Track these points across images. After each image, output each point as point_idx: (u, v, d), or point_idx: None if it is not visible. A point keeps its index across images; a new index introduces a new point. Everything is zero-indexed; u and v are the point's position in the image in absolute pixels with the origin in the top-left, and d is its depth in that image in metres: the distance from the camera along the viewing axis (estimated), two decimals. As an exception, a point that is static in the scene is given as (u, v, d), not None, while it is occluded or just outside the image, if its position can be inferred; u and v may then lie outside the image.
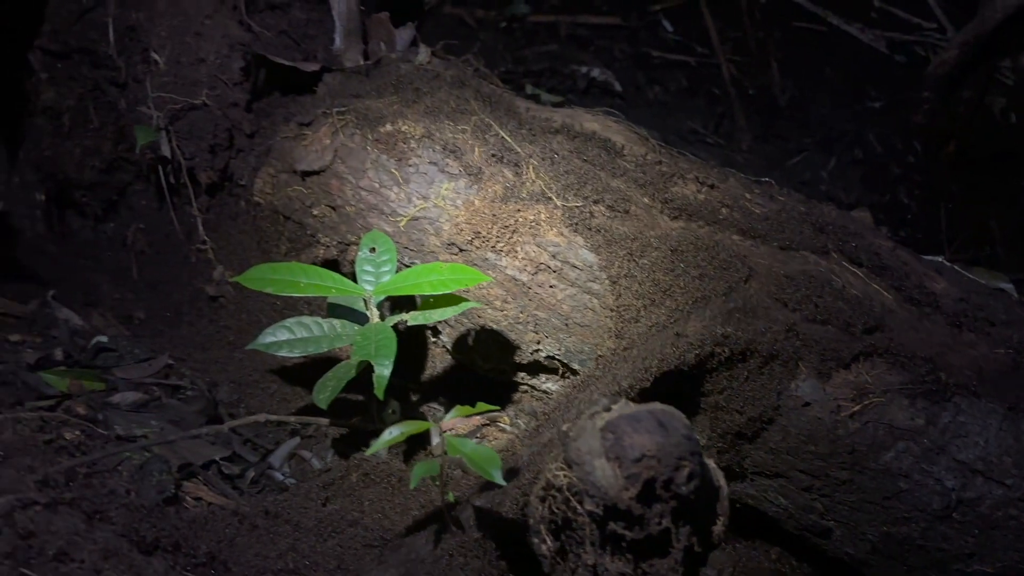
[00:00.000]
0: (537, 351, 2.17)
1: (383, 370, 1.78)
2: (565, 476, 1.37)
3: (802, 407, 1.96)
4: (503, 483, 1.45)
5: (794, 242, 2.13)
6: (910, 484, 1.93)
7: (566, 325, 2.10)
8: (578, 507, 1.35)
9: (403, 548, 1.67)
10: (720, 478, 1.40)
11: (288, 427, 2.12)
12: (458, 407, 1.59)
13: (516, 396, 2.30)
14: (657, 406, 1.34)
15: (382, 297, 1.95)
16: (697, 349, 1.88)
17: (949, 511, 1.91)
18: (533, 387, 2.29)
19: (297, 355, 1.88)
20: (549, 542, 1.39)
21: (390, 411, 2.23)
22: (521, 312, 2.12)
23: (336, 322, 1.95)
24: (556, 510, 1.38)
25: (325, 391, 1.83)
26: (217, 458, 1.93)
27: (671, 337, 1.91)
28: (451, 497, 1.70)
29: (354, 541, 1.71)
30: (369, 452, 1.60)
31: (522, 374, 2.27)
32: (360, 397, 2.16)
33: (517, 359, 2.19)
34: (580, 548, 1.40)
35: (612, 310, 2.06)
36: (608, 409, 1.38)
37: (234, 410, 2.21)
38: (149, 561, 1.46)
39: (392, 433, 1.55)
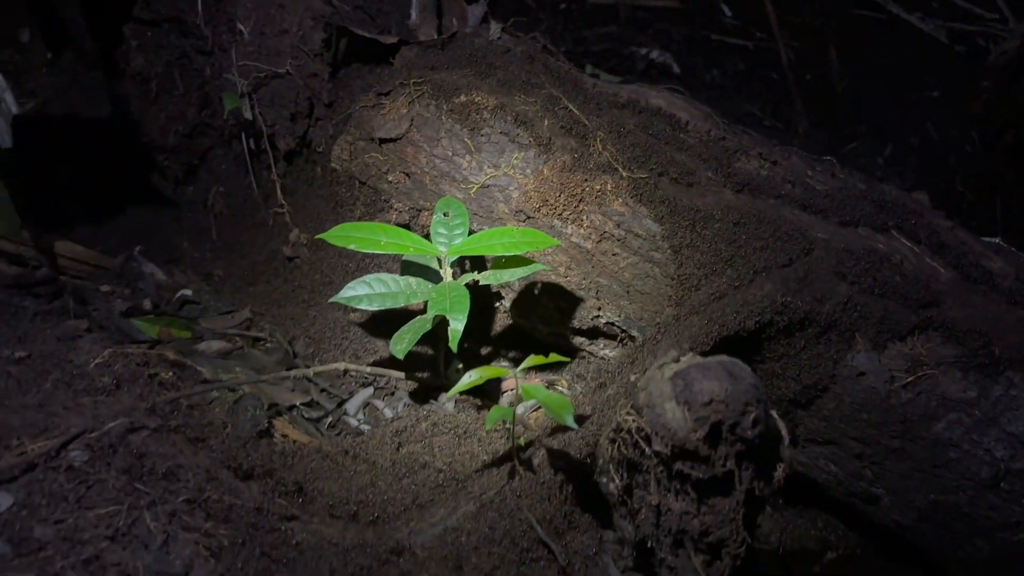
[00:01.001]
0: (597, 317, 2.27)
1: (457, 324, 1.88)
2: (634, 420, 1.46)
3: (857, 376, 2.02)
4: (575, 426, 1.55)
5: (854, 218, 2.19)
6: (959, 454, 1.99)
7: (627, 292, 2.19)
8: (646, 448, 1.44)
9: (475, 487, 1.78)
10: (782, 428, 1.48)
11: (362, 378, 2.23)
12: (532, 356, 1.69)
13: (574, 361, 2.39)
14: (725, 358, 1.43)
15: (455, 257, 2.05)
16: (757, 316, 1.96)
17: (997, 481, 1.96)
18: (591, 353, 2.38)
19: (375, 308, 1.99)
20: (617, 481, 1.48)
21: (455, 369, 2.34)
22: (584, 279, 2.21)
23: (411, 280, 2.06)
24: (624, 451, 1.47)
25: (402, 342, 1.93)
26: (298, 403, 2.06)
27: (732, 304, 1.99)
28: (521, 441, 1.81)
29: (427, 480, 1.82)
30: (450, 394, 1.70)
31: (581, 339, 2.37)
32: (428, 351, 2.27)
33: (577, 324, 2.28)
34: (645, 489, 1.50)
35: (673, 279, 2.14)
36: (677, 360, 1.47)
37: (310, 363, 2.33)
38: (247, 485, 1.59)
39: (471, 376, 1.65)
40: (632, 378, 1.53)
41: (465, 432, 2.09)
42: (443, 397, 2.23)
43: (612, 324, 2.26)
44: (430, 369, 2.28)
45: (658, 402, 1.38)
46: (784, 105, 4.00)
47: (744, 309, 1.96)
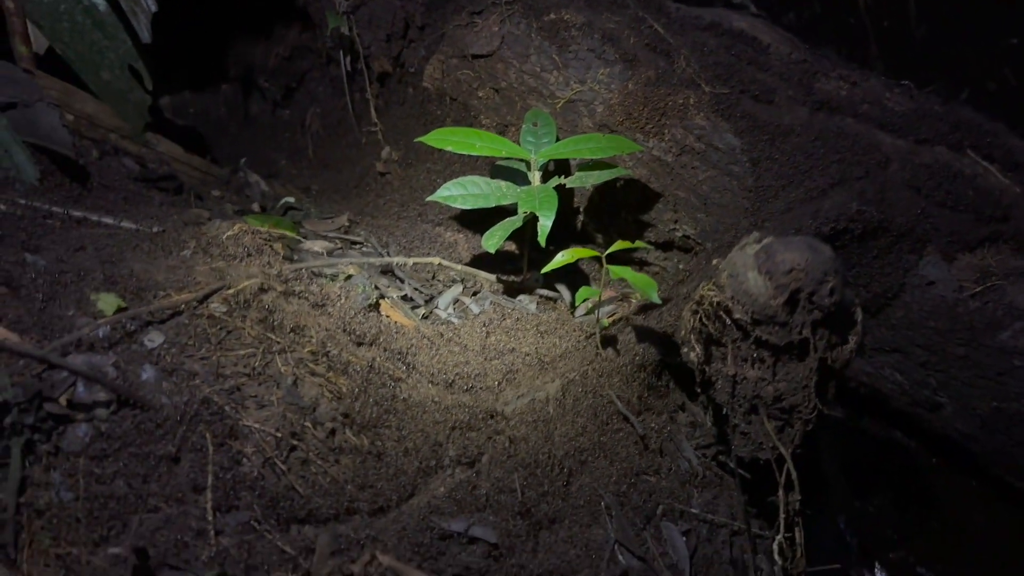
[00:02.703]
0: (674, 230, 2.38)
1: (546, 221, 2.03)
2: (715, 294, 1.59)
3: (926, 285, 2.11)
4: (659, 301, 1.69)
5: (930, 136, 2.26)
6: (1024, 362, 2.07)
7: (704, 204, 2.30)
8: (726, 319, 1.57)
9: (559, 368, 1.93)
10: (857, 309, 1.59)
11: (450, 280, 2.40)
12: (619, 241, 1.82)
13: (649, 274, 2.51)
14: (805, 236, 1.54)
15: (544, 161, 2.18)
16: (832, 223, 2.05)
17: (1061, 388, 2.04)
18: (663, 269, 2.50)
19: (467, 207, 2.14)
20: (698, 350, 1.61)
21: (536, 278, 2.48)
22: (663, 192, 2.33)
23: (501, 183, 2.20)
24: (705, 322, 1.60)
25: (493, 238, 2.08)
26: (395, 296, 2.23)
27: (808, 212, 2.09)
28: (605, 323, 1.95)
29: (515, 361, 1.98)
30: (544, 270, 1.84)
31: (656, 254, 2.48)
32: (514, 250, 2.41)
33: (653, 237, 2.40)
34: (723, 361, 1.63)
35: (750, 191, 2.24)
36: (759, 241, 1.58)
37: (402, 268, 2.50)
38: (360, 348, 1.77)
39: (563, 256, 1.80)
40: (714, 262, 1.65)
41: (546, 330, 2.24)
42: (525, 298, 2.38)
43: (687, 237, 2.37)
44: (514, 274, 2.43)
45: (741, 271, 1.50)
46: (860, 49, 4.02)
47: (819, 216, 2.06)
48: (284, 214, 2.57)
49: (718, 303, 1.58)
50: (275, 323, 1.65)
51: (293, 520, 1.43)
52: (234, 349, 1.57)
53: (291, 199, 2.62)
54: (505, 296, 2.36)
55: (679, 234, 2.38)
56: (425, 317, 2.24)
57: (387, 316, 1.99)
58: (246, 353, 1.57)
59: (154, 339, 1.53)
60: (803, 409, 1.57)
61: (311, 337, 1.68)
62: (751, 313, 1.51)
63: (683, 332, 1.63)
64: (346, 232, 2.51)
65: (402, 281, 2.37)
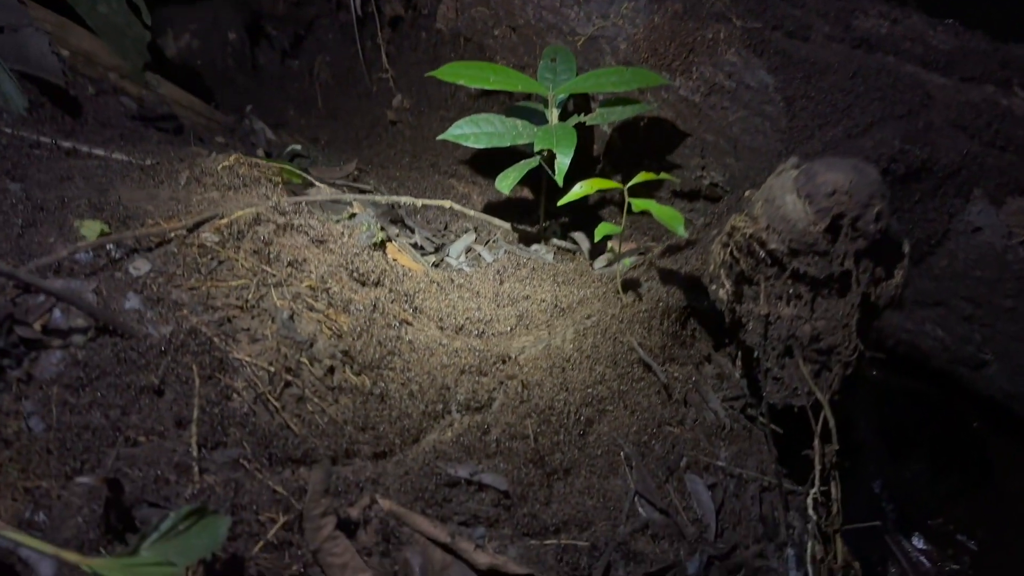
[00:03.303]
0: (700, 177, 2.24)
1: (564, 159, 1.89)
2: (748, 225, 1.45)
3: (972, 232, 1.96)
4: (685, 234, 1.55)
5: (977, 74, 2.10)
6: (1079, 314, 1.92)
7: (734, 148, 2.16)
8: (760, 250, 1.43)
9: (577, 315, 1.80)
10: (904, 240, 1.45)
11: (462, 230, 2.27)
12: (642, 172, 1.69)
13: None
14: (849, 158, 1.40)
15: (563, 97, 2.05)
16: (873, 163, 1.90)
17: (1119, 341, 1.89)
18: (690, 222, 2.36)
19: (481, 146, 2.01)
20: (728, 287, 1.48)
21: (553, 228, 2.35)
22: (689, 134, 2.19)
23: (517, 121, 2.07)
24: (737, 255, 1.46)
25: (508, 179, 1.96)
26: (404, 241, 2.11)
27: (846, 152, 1.94)
28: (627, 263, 1.82)
29: (530, 308, 1.85)
30: (561, 202, 1.71)
31: (681, 204, 2.35)
32: (528, 196, 2.29)
33: (679, 186, 2.26)
34: (754, 301, 1.49)
35: (784, 132, 2.10)
36: (798, 166, 1.45)
37: (412, 217, 2.38)
38: (363, 288, 1.65)
39: (580, 187, 1.67)
40: (746, 193, 1.52)
41: (564, 280, 2.11)
42: (541, 248, 2.25)
43: (715, 185, 2.23)
44: (529, 222, 2.30)
45: (779, 195, 1.37)
46: None
47: (859, 156, 1.91)
48: (291, 160, 2.46)
49: (751, 235, 1.44)
50: (271, 255, 1.54)
51: (287, 460, 1.32)
52: (226, 280, 1.45)
53: (298, 147, 2.51)
54: (520, 246, 2.24)
55: (706, 182, 2.24)
56: (435, 266, 2.12)
57: (394, 259, 1.87)
58: (239, 285, 1.45)
59: (140, 267, 1.42)
60: (843, 350, 1.43)
61: (310, 272, 1.56)
62: (788, 242, 1.38)
63: (712, 268, 1.50)
64: (355, 180, 2.40)
65: (412, 231, 2.25)
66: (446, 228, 2.33)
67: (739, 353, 1.67)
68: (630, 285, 1.83)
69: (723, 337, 1.77)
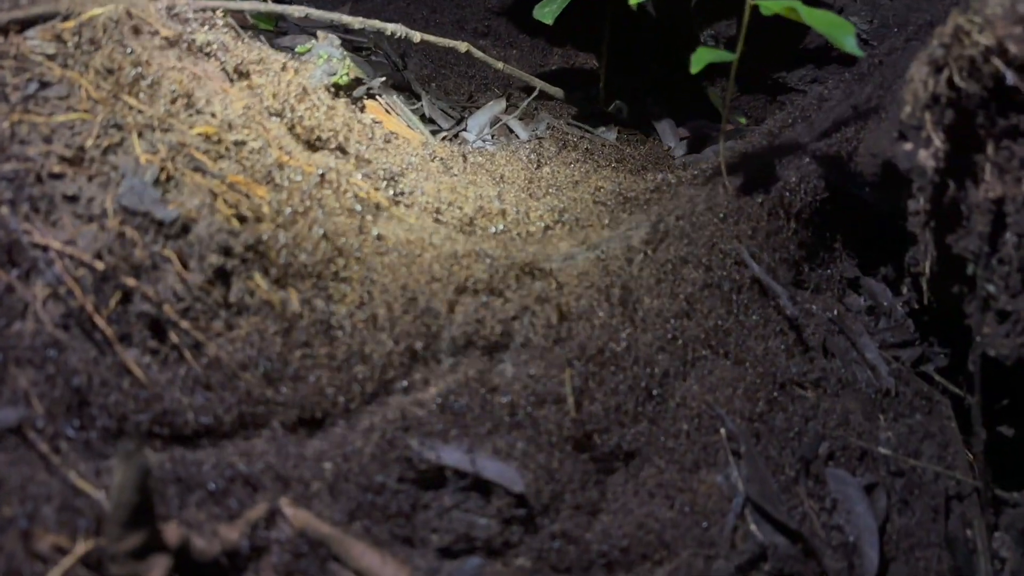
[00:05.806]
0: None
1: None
2: (983, 28, 0.78)
3: None
4: (859, 52, 0.88)
5: None
6: None
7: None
8: (1007, 72, 0.76)
9: (651, 209, 1.16)
10: None
11: (492, 96, 1.63)
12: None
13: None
14: None
15: None
16: None
17: None
18: (790, 101, 1.68)
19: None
20: (938, 142, 0.82)
21: (616, 106, 1.71)
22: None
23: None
24: (961, 83, 0.80)
25: (552, 4, 1.31)
26: (402, 105, 1.47)
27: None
28: (743, 120, 1.16)
29: (579, 199, 1.22)
30: (695, 68, 1.04)
31: (801, 71, 1.68)
32: (586, 64, 1.64)
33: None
34: (981, 169, 0.83)
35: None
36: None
37: (425, 85, 1.75)
38: (304, 148, 1.03)
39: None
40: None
41: (631, 166, 1.47)
42: (602, 128, 1.60)
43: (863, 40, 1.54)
44: (586, 95, 1.66)
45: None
46: None
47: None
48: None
49: (988, 47, 0.77)
50: (142, 83, 0.92)
51: (116, 432, 0.72)
52: (53, 113, 0.84)
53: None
54: (571, 122, 1.59)
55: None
56: (444, 139, 1.49)
57: (376, 120, 1.24)
58: (74, 119, 0.84)
59: (-95, 88, 0.82)
60: None
61: (211, 115, 0.94)
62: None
63: (908, 109, 0.83)
64: (345, 31, 1.76)
65: (417, 98, 1.62)
66: (469, 99, 1.69)
67: (921, 273, 1.01)
68: (736, 166, 1.17)
69: (886, 249, 1.12)
